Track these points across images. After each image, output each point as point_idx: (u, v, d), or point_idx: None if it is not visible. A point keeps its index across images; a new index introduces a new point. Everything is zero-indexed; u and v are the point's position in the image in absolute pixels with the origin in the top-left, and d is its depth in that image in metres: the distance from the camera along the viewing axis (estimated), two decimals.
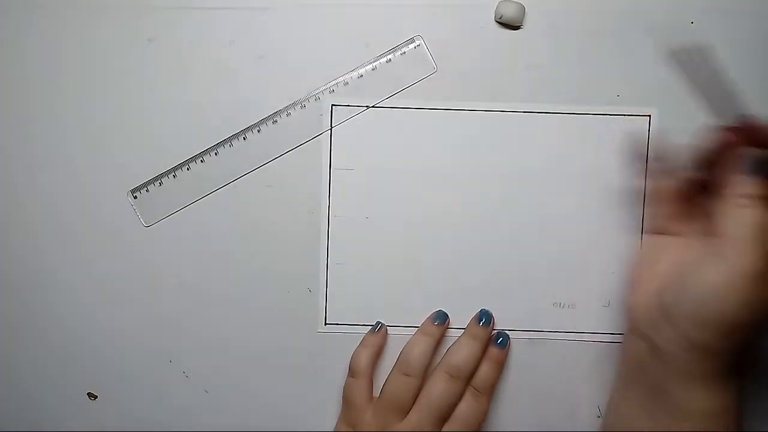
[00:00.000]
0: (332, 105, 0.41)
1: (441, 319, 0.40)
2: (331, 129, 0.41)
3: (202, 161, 0.41)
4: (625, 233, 0.41)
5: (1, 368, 0.43)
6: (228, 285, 0.42)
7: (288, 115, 0.40)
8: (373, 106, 0.41)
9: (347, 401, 0.40)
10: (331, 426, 0.42)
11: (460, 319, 0.42)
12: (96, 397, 0.43)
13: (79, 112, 0.41)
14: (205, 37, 0.40)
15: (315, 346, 0.42)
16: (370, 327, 0.42)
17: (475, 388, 0.39)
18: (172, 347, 0.42)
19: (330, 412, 0.42)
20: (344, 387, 0.41)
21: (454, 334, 0.42)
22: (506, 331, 0.41)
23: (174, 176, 0.41)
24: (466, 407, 0.39)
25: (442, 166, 0.41)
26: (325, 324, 0.42)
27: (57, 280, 0.42)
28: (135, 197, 0.40)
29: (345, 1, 0.40)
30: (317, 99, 0.40)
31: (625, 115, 0.41)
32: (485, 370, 0.40)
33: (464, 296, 0.41)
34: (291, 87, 0.41)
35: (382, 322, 0.41)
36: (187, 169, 0.41)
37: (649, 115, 0.41)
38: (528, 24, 0.40)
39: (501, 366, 0.41)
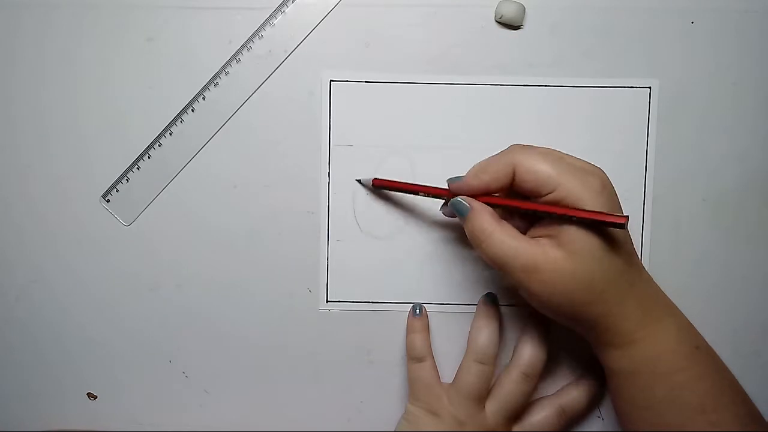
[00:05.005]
0: (331, 81, 0.41)
1: (493, 299, 0.40)
2: (330, 103, 0.41)
3: (159, 145, 0.41)
4: (624, 204, 0.40)
5: (1, 368, 0.43)
6: (228, 285, 0.42)
7: (228, 72, 0.40)
8: (372, 82, 0.41)
9: (419, 384, 0.40)
10: (330, 425, 0.42)
11: (465, 295, 0.42)
12: (96, 397, 0.43)
13: (73, 114, 0.41)
14: (204, 37, 0.41)
15: (315, 346, 0.42)
16: (412, 309, 0.41)
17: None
18: (172, 347, 0.42)
19: (329, 412, 0.42)
20: (411, 372, 0.40)
21: (457, 311, 0.42)
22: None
23: (138, 168, 0.41)
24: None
25: (441, 140, 0.41)
26: (327, 302, 0.42)
27: (57, 285, 0.42)
28: (108, 201, 0.40)
29: (345, 0, 0.40)
30: (249, 49, 0.40)
31: (625, 87, 0.41)
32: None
33: (466, 272, 0.42)
34: (290, 86, 0.41)
35: (420, 303, 0.42)
36: (148, 157, 0.41)
37: (650, 87, 0.41)
38: (528, 24, 0.40)
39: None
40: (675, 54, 0.40)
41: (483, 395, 0.39)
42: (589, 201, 0.32)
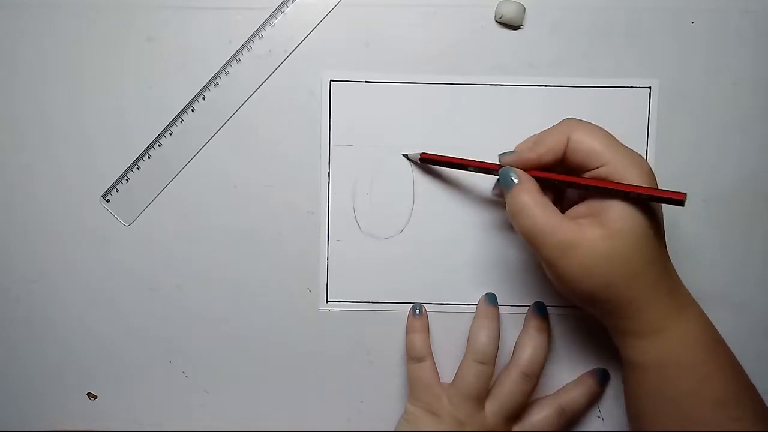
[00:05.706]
0: (331, 81, 0.41)
1: (493, 299, 0.40)
2: (330, 103, 0.41)
3: (159, 145, 0.41)
4: None
5: (1, 368, 0.43)
6: (228, 285, 0.42)
7: (228, 72, 0.40)
8: (372, 82, 0.41)
9: (419, 384, 0.40)
10: (330, 425, 0.42)
11: (465, 295, 0.42)
12: (96, 397, 0.43)
13: (74, 114, 0.41)
14: (204, 37, 0.41)
15: (315, 346, 0.42)
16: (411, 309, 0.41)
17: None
18: (172, 347, 0.42)
19: (329, 412, 0.42)
20: (411, 372, 0.41)
21: (457, 311, 0.42)
22: (508, 306, 0.41)
23: (138, 168, 0.41)
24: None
25: (441, 140, 0.41)
26: (327, 302, 0.42)
27: (57, 285, 0.42)
28: (108, 201, 0.40)
29: (345, 0, 0.40)
30: (249, 49, 0.40)
31: (625, 87, 0.41)
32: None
33: (465, 273, 0.42)
34: (290, 86, 0.41)
35: (420, 303, 0.41)
36: (148, 157, 0.41)
37: (650, 87, 0.41)
38: (528, 24, 0.40)
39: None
40: (675, 54, 0.41)
41: (483, 395, 0.39)
42: (636, 180, 0.32)
